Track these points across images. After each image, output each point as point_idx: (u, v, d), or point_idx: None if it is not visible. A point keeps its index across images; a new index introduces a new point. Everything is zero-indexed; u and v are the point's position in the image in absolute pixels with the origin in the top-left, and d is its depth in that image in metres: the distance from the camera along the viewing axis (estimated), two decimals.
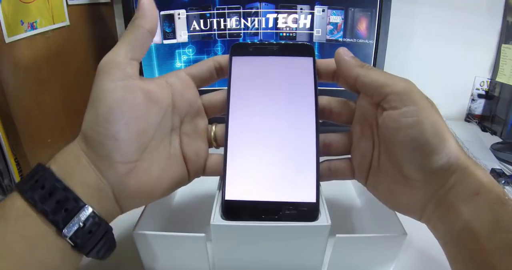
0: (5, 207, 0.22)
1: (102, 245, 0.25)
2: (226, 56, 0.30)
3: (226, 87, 0.30)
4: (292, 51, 0.30)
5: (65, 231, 0.22)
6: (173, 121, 0.29)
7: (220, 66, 0.31)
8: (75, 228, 0.23)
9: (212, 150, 0.31)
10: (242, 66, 0.30)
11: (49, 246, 0.22)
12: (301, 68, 0.30)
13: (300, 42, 0.31)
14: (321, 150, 0.29)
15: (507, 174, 0.49)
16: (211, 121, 0.32)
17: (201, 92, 0.31)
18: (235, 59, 0.30)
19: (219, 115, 0.32)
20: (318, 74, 0.30)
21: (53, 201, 0.22)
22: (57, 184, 0.23)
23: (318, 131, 0.28)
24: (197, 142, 0.30)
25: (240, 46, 0.31)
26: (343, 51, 0.29)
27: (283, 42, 0.29)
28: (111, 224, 0.26)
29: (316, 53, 0.54)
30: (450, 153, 0.24)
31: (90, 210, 0.23)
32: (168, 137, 0.29)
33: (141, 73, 0.53)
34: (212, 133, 0.31)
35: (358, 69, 0.27)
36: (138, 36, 0.26)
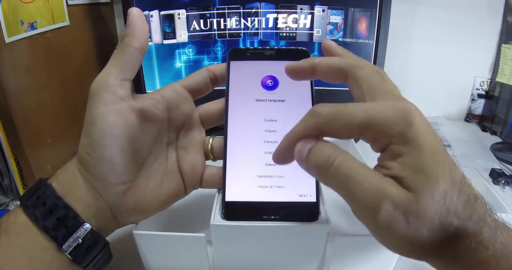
0: (8, 222, 0.23)
1: (99, 259, 0.25)
2: (220, 65, 0.31)
3: (225, 89, 0.30)
4: (289, 56, 0.31)
5: (64, 246, 0.23)
6: (169, 136, 0.29)
7: (215, 76, 0.30)
8: (74, 244, 0.23)
9: (209, 162, 0.31)
10: (240, 70, 0.30)
11: (48, 260, 0.23)
12: None
13: (296, 47, 0.31)
14: None
15: (507, 174, 0.49)
16: (208, 133, 0.32)
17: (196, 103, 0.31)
18: (233, 64, 0.30)
19: (217, 125, 0.32)
20: None
21: (54, 218, 0.23)
22: (58, 201, 0.24)
23: None
24: (194, 154, 0.30)
25: (237, 51, 0.31)
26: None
27: (277, 47, 0.31)
28: None
29: (316, 54, 0.55)
30: None
31: (88, 227, 0.24)
32: (165, 151, 0.29)
33: (141, 73, 0.53)
34: (209, 146, 0.31)
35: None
36: (128, 56, 0.25)
